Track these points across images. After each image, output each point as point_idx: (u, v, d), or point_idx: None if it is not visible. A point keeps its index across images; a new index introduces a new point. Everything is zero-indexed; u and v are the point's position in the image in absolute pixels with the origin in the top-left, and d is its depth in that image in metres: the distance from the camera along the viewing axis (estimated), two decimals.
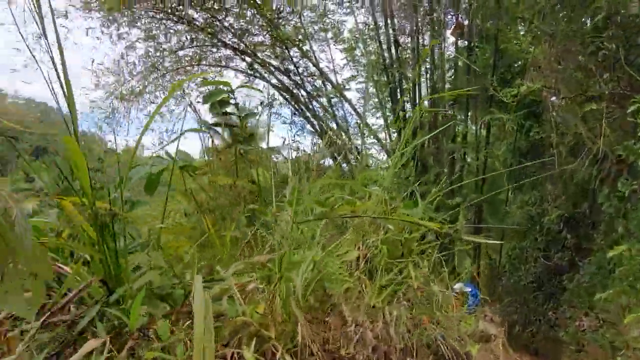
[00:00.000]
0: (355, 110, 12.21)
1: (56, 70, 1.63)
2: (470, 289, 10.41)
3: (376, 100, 12.32)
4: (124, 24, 12.71)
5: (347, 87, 12.55)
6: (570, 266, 9.84)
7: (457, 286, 9.91)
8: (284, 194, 2.75)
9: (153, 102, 12.62)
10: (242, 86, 3.97)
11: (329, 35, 12.11)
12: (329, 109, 12.15)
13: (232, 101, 3.64)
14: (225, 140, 3.93)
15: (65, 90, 1.63)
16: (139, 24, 12.82)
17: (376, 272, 2.55)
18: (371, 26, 11.68)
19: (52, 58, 1.63)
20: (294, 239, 2.12)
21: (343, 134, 12.22)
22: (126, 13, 12.39)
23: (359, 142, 12.51)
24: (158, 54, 13.16)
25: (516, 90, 7.96)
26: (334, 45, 12.21)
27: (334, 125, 12.18)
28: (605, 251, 7.37)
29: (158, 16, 12.63)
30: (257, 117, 3.56)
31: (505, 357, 2.72)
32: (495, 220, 11.05)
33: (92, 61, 12.78)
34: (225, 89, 3.51)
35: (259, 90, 8.72)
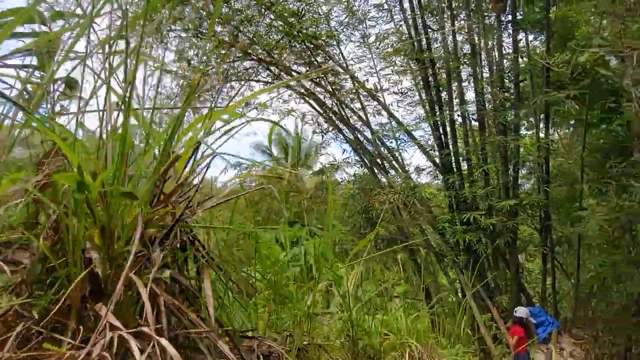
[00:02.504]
0: (389, 112, 10.87)
1: None
2: (541, 316, 8.35)
3: (416, 98, 10.80)
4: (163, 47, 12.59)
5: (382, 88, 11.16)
6: None
7: (522, 311, 7.97)
8: None
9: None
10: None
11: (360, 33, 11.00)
12: (362, 115, 10.88)
13: None
14: None
15: None
16: (169, 46, 12.66)
17: None
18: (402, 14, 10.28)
19: None
20: None
21: (378, 141, 10.94)
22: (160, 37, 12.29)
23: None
24: (188, 73, 12.87)
25: (571, 54, 6.20)
26: (362, 43, 10.99)
27: (368, 134, 10.90)
28: None
29: (185, 35, 12.36)
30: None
31: None
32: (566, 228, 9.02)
33: None
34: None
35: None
